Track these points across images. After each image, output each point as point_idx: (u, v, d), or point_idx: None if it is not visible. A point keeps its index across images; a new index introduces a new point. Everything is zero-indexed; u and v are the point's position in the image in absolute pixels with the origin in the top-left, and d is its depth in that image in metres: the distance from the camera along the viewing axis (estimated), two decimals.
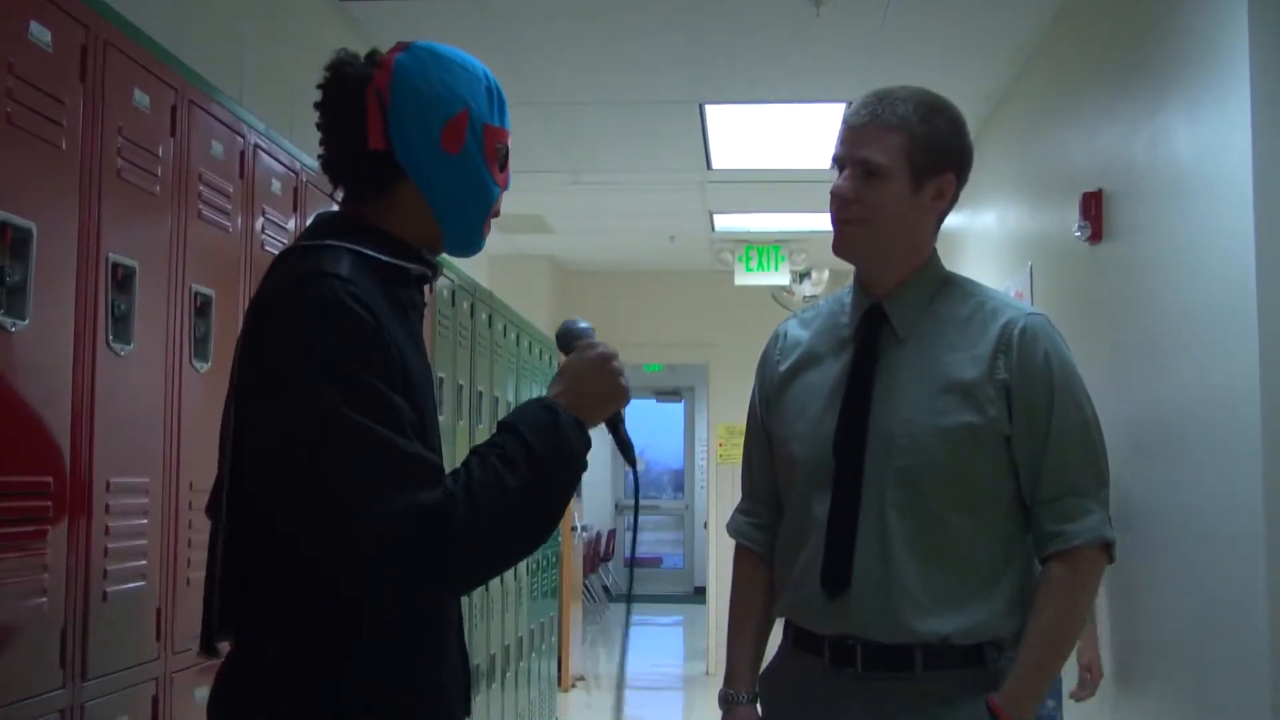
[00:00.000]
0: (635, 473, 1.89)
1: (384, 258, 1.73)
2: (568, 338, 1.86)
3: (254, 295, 1.70)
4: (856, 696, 2.08)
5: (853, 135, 2.14)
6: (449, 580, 1.64)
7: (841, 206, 2.14)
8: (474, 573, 1.67)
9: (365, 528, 1.54)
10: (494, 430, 1.71)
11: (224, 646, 1.70)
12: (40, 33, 2.08)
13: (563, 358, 1.84)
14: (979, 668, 2.07)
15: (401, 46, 1.78)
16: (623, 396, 1.81)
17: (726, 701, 2.25)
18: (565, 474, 1.69)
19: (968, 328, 2.14)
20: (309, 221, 1.84)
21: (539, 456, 1.65)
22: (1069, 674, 3.75)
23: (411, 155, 1.74)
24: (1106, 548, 2.09)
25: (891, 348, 2.15)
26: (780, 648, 2.24)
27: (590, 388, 1.78)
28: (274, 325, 1.62)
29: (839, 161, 2.16)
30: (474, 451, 1.65)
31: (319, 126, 1.79)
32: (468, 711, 1.85)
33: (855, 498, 2.09)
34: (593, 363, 1.79)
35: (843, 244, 2.17)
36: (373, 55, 1.78)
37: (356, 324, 1.59)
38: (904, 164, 2.10)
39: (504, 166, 1.84)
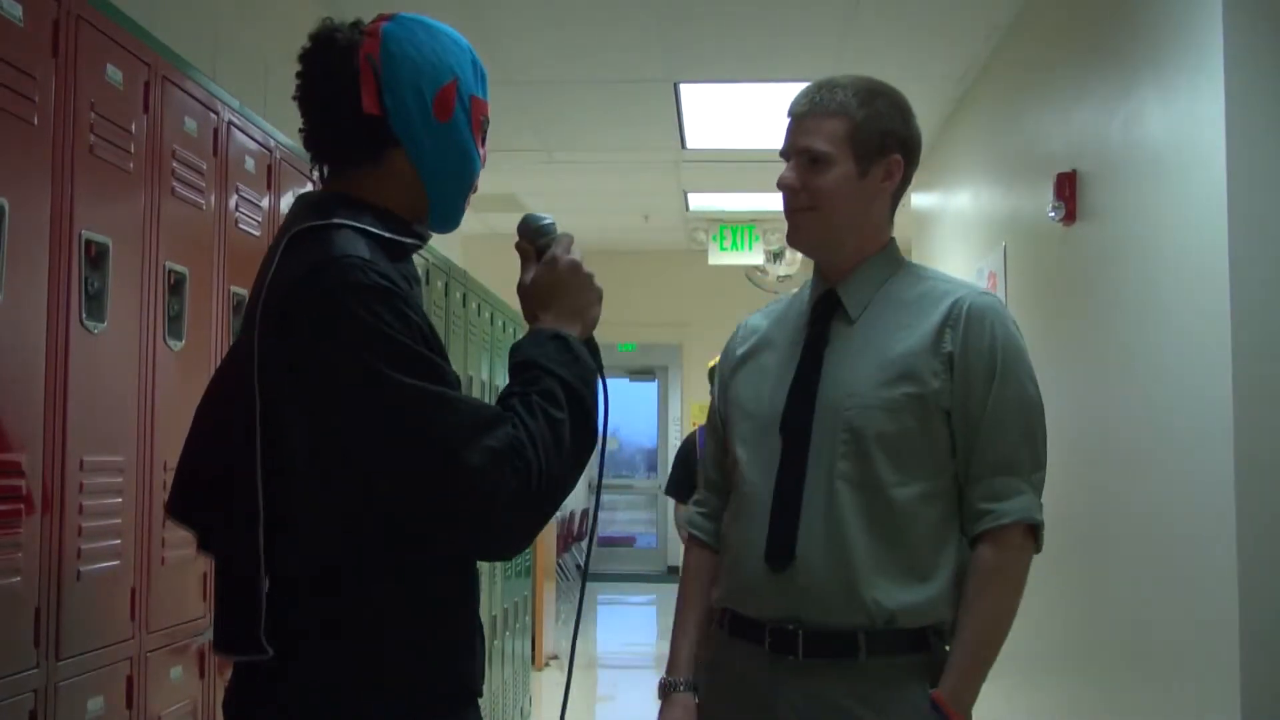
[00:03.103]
0: (605, 383, 1.88)
1: (385, 234, 1.73)
2: (534, 234, 1.88)
3: (269, 280, 1.67)
4: (798, 684, 2.06)
5: (795, 125, 2.16)
6: (543, 508, 1.67)
7: (790, 197, 2.16)
8: (556, 500, 1.70)
9: (465, 477, 1.58)
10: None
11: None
12: (11, 7, 2.06)
13: (524, 246, 1.87)
14: (924, 653, 2.05)
15: (386, 17, 1.78)
16: (599, 298, 1.86)
17: (665, 690, 2.23)
18: (593, 392, 1.76)
19: (917, 307, 2.13)
20: (293, 201, 1.83)
21: (570, 385, 1.72)
22: None
23: (406, 121, 1.74)
24: (1034, 531, 2.06)
25: (842, 329, 2.16)
26: (716, 638, 2.21)
27: (575, 301, 1.83)
28: (310, 313, 1.62)
29: (785, 154, 2.17)
30: (511, 395, 1.70)
31: (302, 98, 1.77)
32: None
33: (801, 471, 2.09)
34: (567, 274, 1.84)
35: (795, 233, 2.20)
36: (358, 24, 1.78)
37: (389, 299, 1.62)
38: (846, 149, 2.11)
39: (484, 141, 1.86)
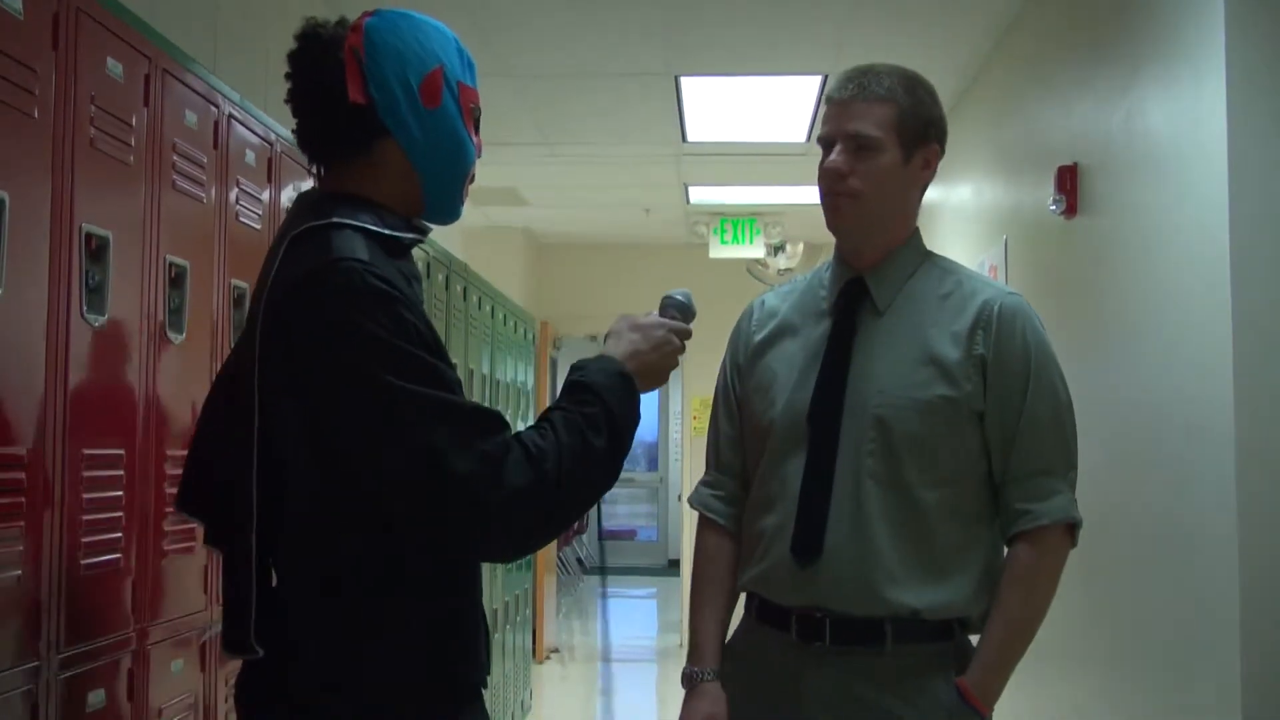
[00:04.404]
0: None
1: (384, 231, 1.73)
2: (680, 312, 1.96)
3: (269, 283, 1.68)
4: (824, 670, 2.07)
5: (840, 110, 2.13)
6: (552, 516, 1.66)
7: (835, 181, 2.13)
8: (564, 513, 1.69)
9: (453, 483, 1.58)
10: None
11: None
12: None
13: (653, 316, 1.92)
14: (948, 641, 2.08)
15: (369, 13, 1.80)
16: (664, 381, 1.92)
17: (690, 680, 2.21)
18: (630, 438, 1.78)
19: (947, 304, 2.14)
20: (294, 201, 1.83)
21: (616, 421, 1.73)
22: None
23: (393, 108, 1.74)
24: (1071, 530, 2.09)
25: (870, 319, 2.15)
26: (743, 621, 2.22)
27: (655, 364, 1.87)
28: (307, 319, 1.62)
29: (826, 140, 2.15)
30: (558, 408, 1.71)
31: (292, 96, 1.78)
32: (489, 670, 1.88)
33: (829, 466, 2.09)
34: (663, 341, 1.88)
35: (836, 216, 2.16)
36: (343, 22, 1.79)
37: (386, 303, 1.61)
38: (893, 135, 2.10)
39: (477, 129, 1.85)
